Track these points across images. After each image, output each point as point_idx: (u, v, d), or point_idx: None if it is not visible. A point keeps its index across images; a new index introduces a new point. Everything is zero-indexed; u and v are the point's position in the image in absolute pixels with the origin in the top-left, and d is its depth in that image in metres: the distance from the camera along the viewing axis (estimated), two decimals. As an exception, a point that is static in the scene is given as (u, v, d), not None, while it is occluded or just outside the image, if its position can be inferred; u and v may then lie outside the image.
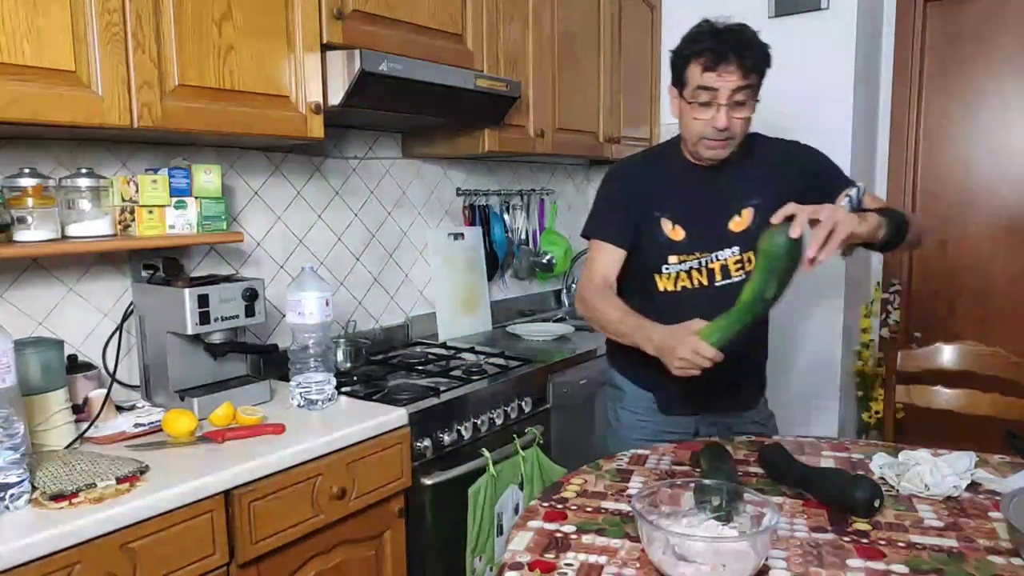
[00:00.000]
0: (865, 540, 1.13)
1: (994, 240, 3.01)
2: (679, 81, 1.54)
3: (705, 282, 1.60)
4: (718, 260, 1.59)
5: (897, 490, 1.31)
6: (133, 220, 1.58)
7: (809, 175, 1.61)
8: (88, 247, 1.54)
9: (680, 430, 1.70)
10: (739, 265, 1.60)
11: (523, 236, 3.00)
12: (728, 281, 1.60)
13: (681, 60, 1.52)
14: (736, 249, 1.59)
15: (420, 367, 2.15)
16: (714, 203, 1.60)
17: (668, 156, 1.66)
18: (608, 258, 1.63)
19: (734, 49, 1.45)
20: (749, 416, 1.75)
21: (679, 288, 1.61)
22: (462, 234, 2.72)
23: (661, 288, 1.62)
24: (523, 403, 2.09)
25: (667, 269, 1.60)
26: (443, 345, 2.47)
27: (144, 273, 1.75)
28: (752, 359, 1.69)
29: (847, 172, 2.85)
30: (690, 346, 1.33)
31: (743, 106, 1.50)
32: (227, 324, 1.66)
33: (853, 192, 1.40)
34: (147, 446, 1.45)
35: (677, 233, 1.59)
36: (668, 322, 1.50)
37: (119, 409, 1.62)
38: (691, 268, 1.60)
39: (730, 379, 1.58)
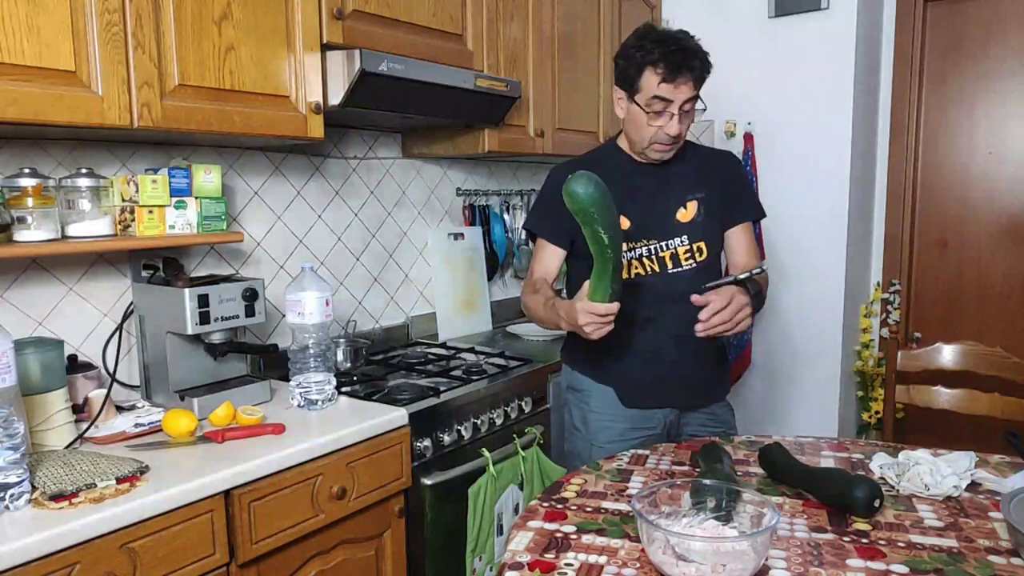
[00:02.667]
0: (865, 540, 1.13)
1: (994, 240, 3.02)
2: (630, 85, 1.58)
3: (658, 269, 1.66)
4: (668, 249, 1.66)
5: (897, 490, 1.31)
6: (133, 220, 1.58)
7: (730, 184, 1.74)
8: (88, 247, 1.54)
9: (648, 426, 1.70)
10: (688, 254, 1.66)
11: (523, 236, 3.00)
12: (679, 269, 1.66)
13: (634, 66, 1.56)
14: (685, 238, 1.66)
15: (420, 367, 2.15)
16: (658, 196, 1.67)
17: (609, 154, 1.73)
18: (547, 256, 1.73)
19: (688, 62, 1.52)
20: (715, 409, 1.76)
21: (633, 275, 1.66)
22: (462, 234, 2.72)
23: None
24: (523, 403, 2.09)
25: None
26: (443, 345, 2.47)
27: (144, 273, 1.75)
28: (708, 347, 1.70)
29: (847, 173, 2.89)
30: (584, 310, 1.41)
31: (689, 113, 1.59)
32: (227, 324, 1.66)
33: (756, 269, 1.54)
34: (147, 446, 1.45)
35: (623, 223, 1.62)
36: (627, 310, 1.60)
37: (119, 409, 1.62)
38: (642, 255, 1.65)
39: (688, 369, 1.68)
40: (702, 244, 1.66)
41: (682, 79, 1.53)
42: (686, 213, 1.67)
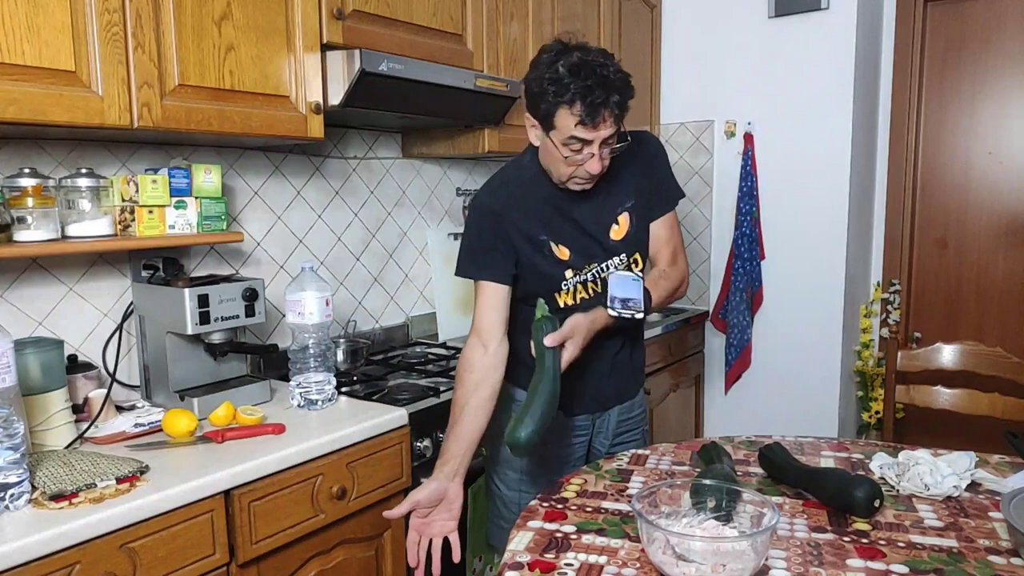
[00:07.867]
0: (865, 540, 1.13)
1: (994, 240, 3.02)
2: (544, 120, 1.40)
3: (600, 289, 1.56)
4: (609, 269, 1.57)
5: (897, 490, 1.31)
6: (133, 220, 1.58)
7: (653, 174, 1.62)
8: (88, 247, 1.54)
9: (581, 433, 1.67)
10: (626, 269, 1.58)
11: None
12: None
13: (547, 103, 1.37)
14: (623, 256, 1.58)
15: (420, 367, 2.15)
16: (589, 218, 1.56)
17: (533, 177, 1.56)
18: (492, 302, 1.54)
19: (607, 103, 1.35)
20: (631, 406, 1.71)
21: (578, 300, 1.57)
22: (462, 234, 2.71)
23: (562, 304, 1.57)
24: (523, 403, 2.09)
25: (566, 285, 1.56)
26: (443, 345, 2.47)
27: (144, 273, 1.75)
28: (633, 353, 1.69)
29: (847, 173, 2.89)
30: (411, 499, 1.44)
31: (612, 146, 1.43)
32: (227, 324, 1.66)
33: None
34: (147, 446, 1.46)
35: (563, 252, 1.56)
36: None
37: (119, 409, 1.62)
38: (587, 280, 1.57)
39: (619, 374, 1.65)
40: (638, 255, 1.59)
41: (601, 120, 1.35)
42: (619, 229, 1.57)
